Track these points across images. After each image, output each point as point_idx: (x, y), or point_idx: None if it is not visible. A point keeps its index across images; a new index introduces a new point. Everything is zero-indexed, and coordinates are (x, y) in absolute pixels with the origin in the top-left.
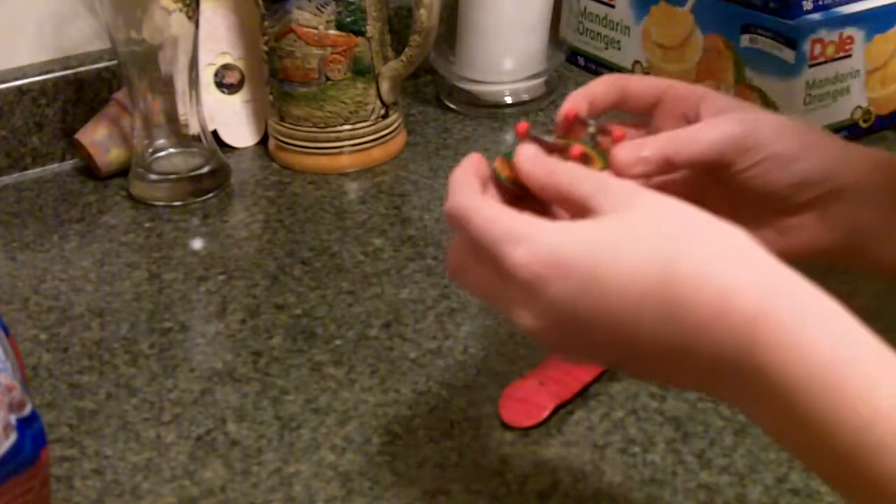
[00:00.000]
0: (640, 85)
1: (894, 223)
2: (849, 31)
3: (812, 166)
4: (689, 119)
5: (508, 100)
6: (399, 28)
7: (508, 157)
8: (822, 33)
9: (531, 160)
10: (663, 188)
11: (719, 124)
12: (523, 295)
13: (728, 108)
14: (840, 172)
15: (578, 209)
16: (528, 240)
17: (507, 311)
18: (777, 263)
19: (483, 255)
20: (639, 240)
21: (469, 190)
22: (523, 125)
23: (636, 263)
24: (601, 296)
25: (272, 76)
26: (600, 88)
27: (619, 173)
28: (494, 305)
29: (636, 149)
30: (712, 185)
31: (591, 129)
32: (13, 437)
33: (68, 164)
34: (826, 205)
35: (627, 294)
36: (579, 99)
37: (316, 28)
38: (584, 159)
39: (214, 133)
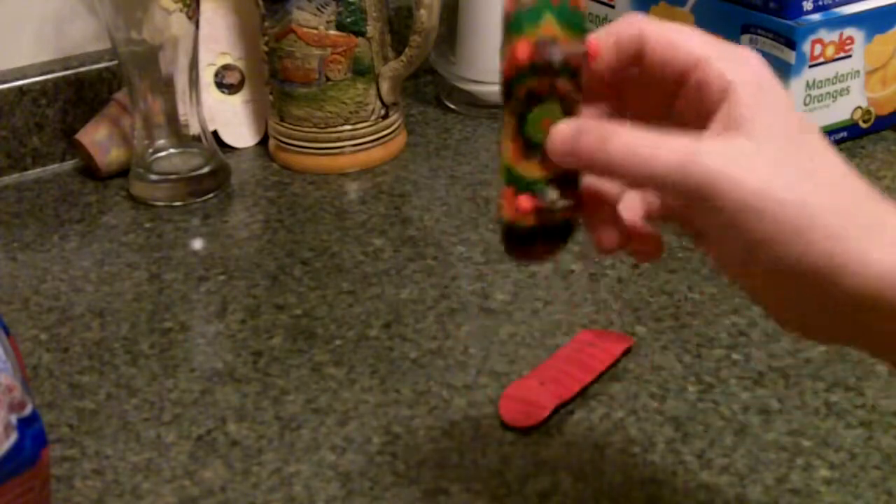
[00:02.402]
0: (660, 54)
1: None
2: (849, 31)
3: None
4: (702, 116)
5: None
6: (399, 28)
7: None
8: (822, 33)
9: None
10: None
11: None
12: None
13: (748, 120)
14: None
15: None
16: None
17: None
18: None
19: None
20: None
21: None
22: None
23: None
24: None
25: (272, 76)
26: (618, 38)
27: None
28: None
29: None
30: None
31: None
32: (13, 437)
33: (68, 165)
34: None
35: None
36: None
37: (316, 28)
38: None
39: (214, 133)
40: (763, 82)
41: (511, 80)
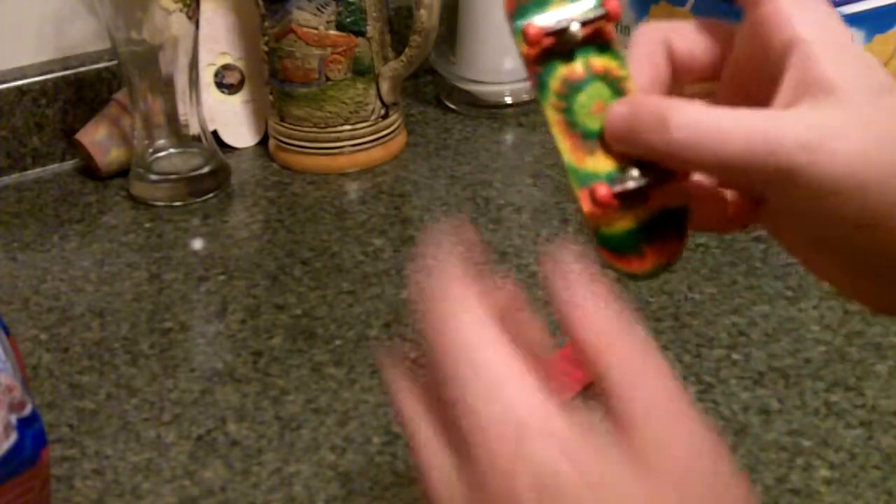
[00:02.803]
0: (689, 48)
1: None
2: None
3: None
4: (760, 77)
5: (508, 100)
6: (399, 28)
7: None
8: None
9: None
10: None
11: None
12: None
13: (832, 83)
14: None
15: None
16: (557, 438)
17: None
18: None
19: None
20: None
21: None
22: (532, 28)
23: None
24: None
25: (272, 76)
26: (641, 62)
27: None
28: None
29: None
30: None
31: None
32: (13, 437)
33: (68, 165)
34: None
35: None
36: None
37: (316, 28)
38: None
39: (214, 133)
40: (840, 35)
41: (541, 76)
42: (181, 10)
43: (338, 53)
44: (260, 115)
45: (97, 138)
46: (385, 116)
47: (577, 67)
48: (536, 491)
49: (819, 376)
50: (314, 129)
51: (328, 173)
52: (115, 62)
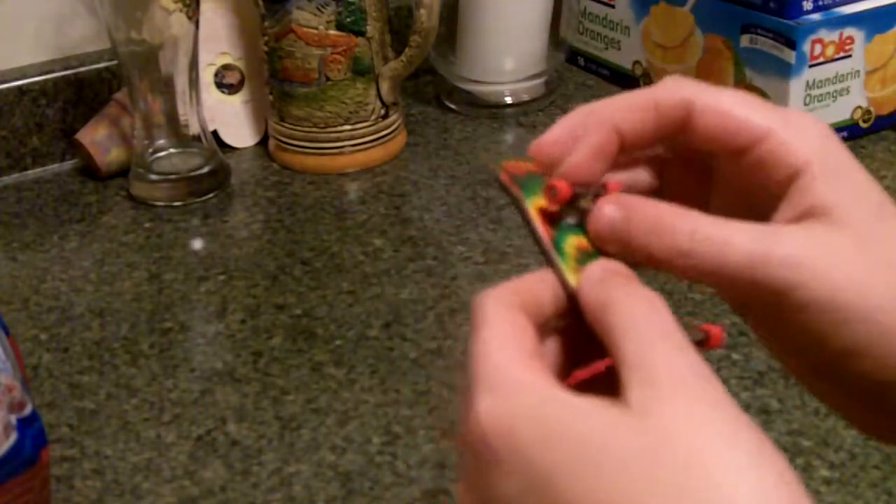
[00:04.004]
0: (711, 124)
1: None
2: (849, 31)
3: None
4: (760, 200)
5: (508, 100)
6: (399, 28)
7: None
8: (822, 33)
9: (594, 283)
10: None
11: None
12: (463, 458)
13: (830, 205)
14: None
15: (609, 373)
16: (501, 393)
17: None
18: None
19: (463, 396)
20: (632, 479)
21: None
22: (565, 187)
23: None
24: None
25: (272, 76)
26: (658, 103)
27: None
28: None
29: (622, 211)
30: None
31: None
32: (13, 437)
33: (68, 165)
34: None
35: None
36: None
37: (316, 28)
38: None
39: (214, 133)
40: (839, 158)
41: (556, 241)
42: (181, 10)
43: (338, 53)
44: (260, 115)
45: (97, 138)
46: (385, 116)
47: (584, 241)
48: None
49: None
50: (314, 129)
51: (328, 173)
52: (115, 62)
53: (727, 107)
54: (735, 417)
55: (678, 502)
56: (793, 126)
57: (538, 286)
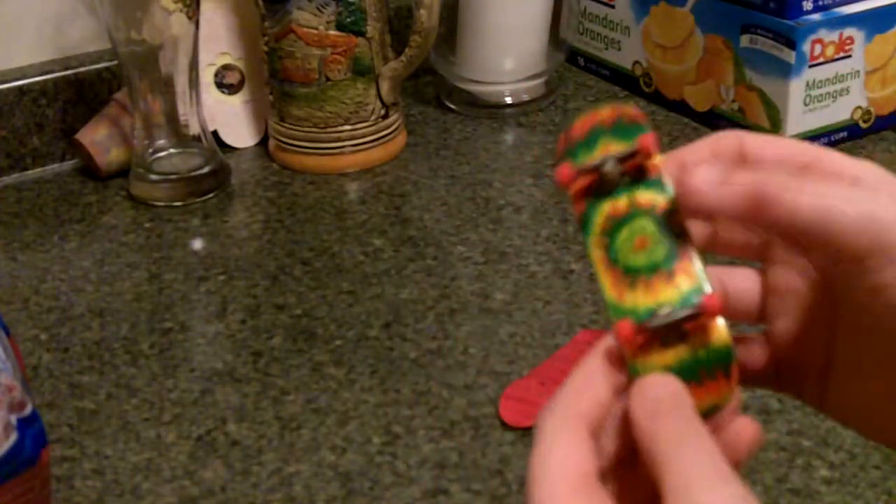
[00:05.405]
0: (784, 212)
1: None
2: (849, 31)
3: None
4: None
5: (508, 100)
6: (399, 28)
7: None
8: (822, 33)
9: (645, 410)
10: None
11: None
12: None
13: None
14: None
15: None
16: None
17: None
18: None
19: None
20: None
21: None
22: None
23: None
24: None
25: (272, 76)
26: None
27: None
28: None
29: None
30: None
31: (609, 167)
32: (13, 437)
33: (68, 165)
34: None
35: None
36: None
37: (316, 28)
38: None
39: (214, 133)
40: None
41: (585, 214)
42: (181, 10)
43: (338, 53)
44: (260, 116)
45: (97, 138)
46: (385, 116)
47: (621, 203)
48: None
49: None
50: (314, 130)
51: (328, 173)
52: (115, 62)
53: (792, 200)
54: None
55: None
56: (857, 222)
57: (597, 389)
